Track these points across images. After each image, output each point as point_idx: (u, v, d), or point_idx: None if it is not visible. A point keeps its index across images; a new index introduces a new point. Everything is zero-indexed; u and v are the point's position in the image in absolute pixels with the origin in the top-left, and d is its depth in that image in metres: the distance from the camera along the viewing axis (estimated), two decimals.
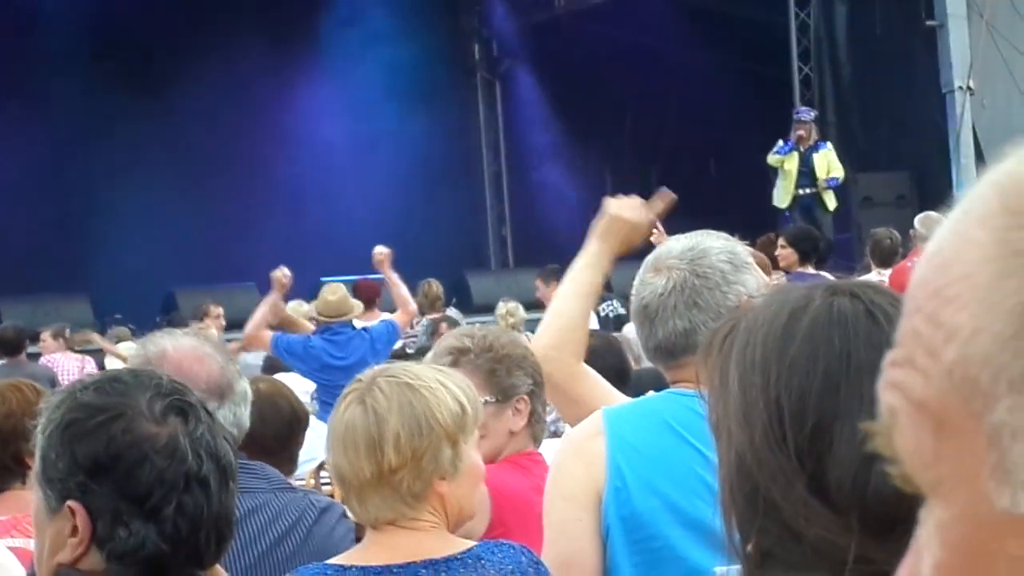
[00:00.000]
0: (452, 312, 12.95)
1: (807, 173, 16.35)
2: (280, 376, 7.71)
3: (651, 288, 2.69)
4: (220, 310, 12.47)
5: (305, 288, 12.38)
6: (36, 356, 12.14)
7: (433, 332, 11.46)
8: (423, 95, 19.50)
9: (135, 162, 17.88)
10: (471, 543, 2.68)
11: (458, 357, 3.32)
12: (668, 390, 2.72)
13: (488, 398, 3.28)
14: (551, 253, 14.77)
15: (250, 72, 18.49)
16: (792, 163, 16.41)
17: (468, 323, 13.72)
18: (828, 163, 16.26)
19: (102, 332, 13.96)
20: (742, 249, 2.77)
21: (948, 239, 0.71)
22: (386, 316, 11.96)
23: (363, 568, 2.59)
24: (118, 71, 17.74)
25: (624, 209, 3.31)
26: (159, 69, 18.14)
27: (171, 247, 17.15)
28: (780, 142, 16.30)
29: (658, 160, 18.79)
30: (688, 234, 2.76)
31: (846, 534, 1.34)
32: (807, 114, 16.67)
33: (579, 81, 19.39)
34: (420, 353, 8.10)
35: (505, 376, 3.33)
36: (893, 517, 1.26)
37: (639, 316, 2.72)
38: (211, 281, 13.54)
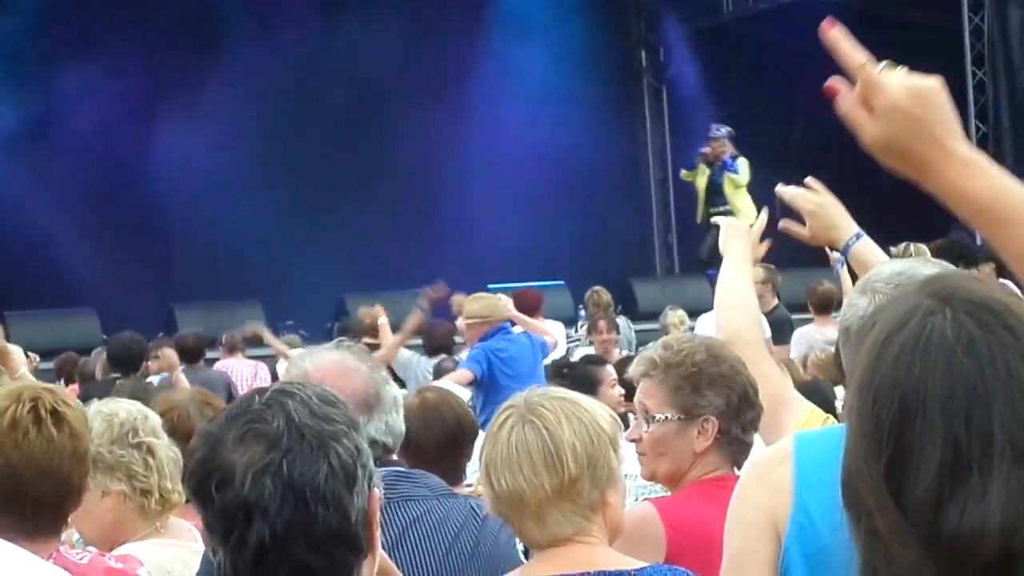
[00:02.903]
0: (621, 320, 12.91)
1: (717, 190, 16.16)
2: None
3: (854, 310, 2.62)
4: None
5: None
6: (212, 361, 12.38)
7: (591, 331, 11.49)
8: (589, 101, 19.49)
9: (306, 171, 18.16)
10: (643, 563, 2.69)
11: (647, 369, 3.31)
12: None
13: (668, 415, 3.26)
14: (717, 261, 14.68)
15: (417, 80, 18.67)
16: (702, 180, 16.31)
17: (636, 331, 13.70)
18: (735, 178, 16.08)
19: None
20: None
21: None
22: (553, 323, 12.00)
23: None
24: (291, 91, 18.09)
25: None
26: (323, 83, 18.41)
27: (342, 254, 17.37)
28: (695, 155, 16.43)
29: (826, 167, 18.54)
30: (904, 259, 2.73)
31: (927, 567, 1.34)
32: (718, 130, 16.52)
33: (746, 87, 19.23)
34: (590, 360, 8.09)
35: (690, 394, 3.26)
36: (966, 562, 1.25)
37: (843, 338, 2.67)
38: (381, 288, 13.69)
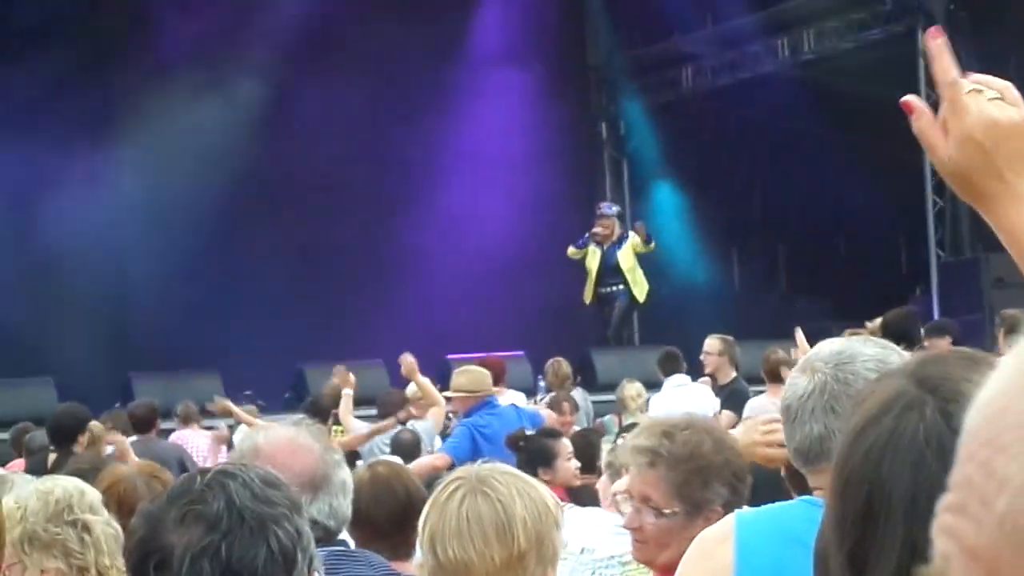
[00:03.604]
0: (577, 392, 12.89)
1: (611, 270, 16.20)
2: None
3: (794, 389, 2.64)
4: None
5: (431, 366, 12.43)
6: (168, 432, 12.29)
7: (554, 409, 11.42)
8: (551, 171, 19.60)
9: (263, 240, 18.15)
10: None
11: (652, 460, 3.18)
12: (804, 497, 2.67)
13: (676, 509, 3.16)
14: (677, 332, 14.70)
15: (377, 148, 18.73)
16: (594, 261, 16.41)
17: (594, 401, 13.69)
18: (630, 253, 16.13)
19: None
20: (898, 359, 2.59)
21: (1004, 389, 0.71)
22: (514, 393, 11.96)
23: None
24: (249, 157, 18.13)
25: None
26: (281, 151, 18.45)
27: (301, 324, 17.34)
28: (586, 235, 16.34)
29: (786, 239, 18.66)
30: (845, 338, 2.73)
31: None
32: (609, 209, 16.69)
33: (706, 160, 19.38)
34: (546, 433, 8.05)
35: (699, 488, 3.16)
36: None
37: (783, 416, 2.68)
38: (339, 357, 13.65)
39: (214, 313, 17.24)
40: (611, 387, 13.72)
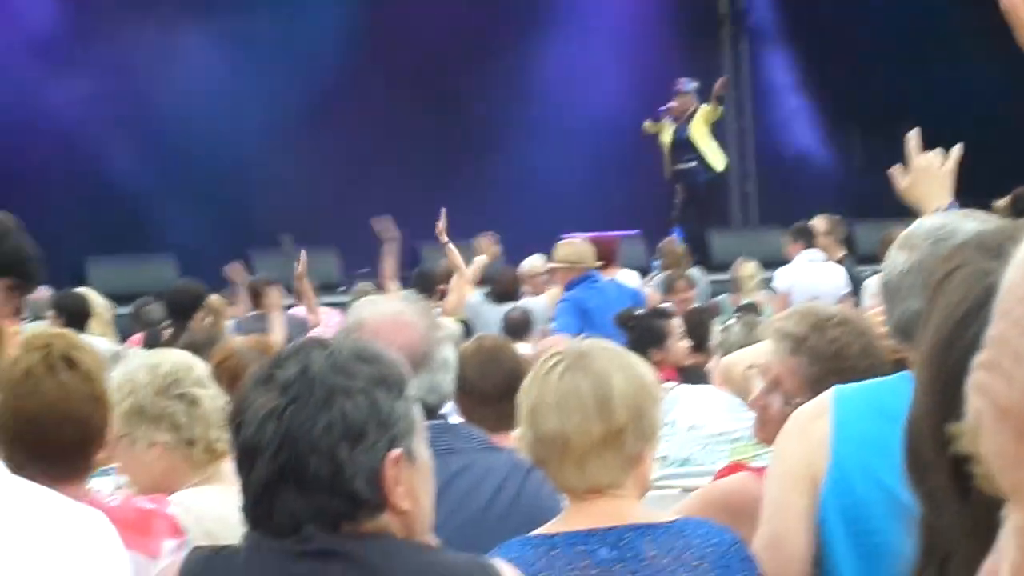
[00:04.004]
0: (693, 272, 12.83)
1: (683, 145, 15.83)
2: None
3: (893, 265, 2.60)
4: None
5: (547, 246, 12.42)
6: (289, 307, 12.43)
7: (668, 289, 11.37)
8: (667, 48, 19.35)
9: (375, 124, 18.20)
10: (674, 516, 2.70)
11: (795, 347, 3.11)
12: (902, 372, 2.64)
13: (806, 401, 3.01)
14: (796, 211, 14.54)
15: (485, 29, 18.61)
16: (667, 136, 15.99)
17: (710, 281, 13.62)
18: (700, 123, 15.80)
19: (348, 287, 14.33)
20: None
21: None
22: (627, 272, 11.94)
23: (569, 534, 2.62)
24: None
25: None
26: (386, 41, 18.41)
27: (417, 206, 17.40)
28: (661, 110, 16.07)
29: (906, 117, 18.33)
30: (946, 213, 2.68)
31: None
32: (686, 85, 16.15)
33: (830, 35, 19.00)
34: (657, 313, 8.03)
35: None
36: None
37: (882, 293, 2.64)
38: (453, 237, 13.68)
39: (331, 193, 17.38)
40: (726, 267, 13.66)
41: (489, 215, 16.20)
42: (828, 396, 2.57)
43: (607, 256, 11.45)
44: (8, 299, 3.87)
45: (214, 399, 3.43)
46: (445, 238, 11.12)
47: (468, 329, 9.56)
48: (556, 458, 2.66)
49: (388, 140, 18.15)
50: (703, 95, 16.51)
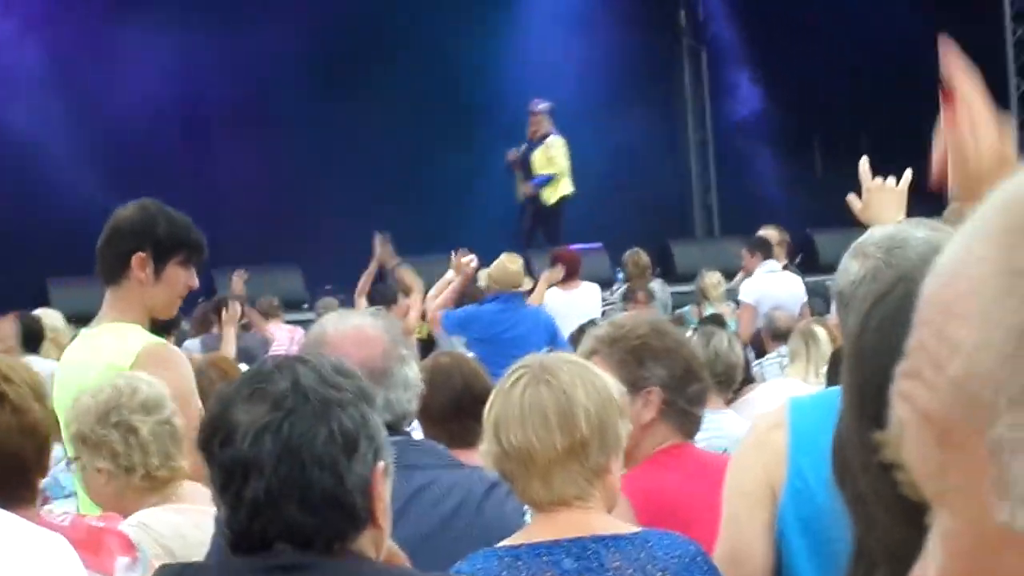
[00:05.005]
0: (656, 284, 12.86)
1: (527, 166, 15.79)
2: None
3: (845, 275, 2.62)
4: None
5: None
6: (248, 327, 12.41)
7: (628, 299, 11.42)
8: (627, 62, 19.42)
9: (347, 142, 18.18)
10: (638, 528, 2.72)
11: (596, 346, 3.35)
12: None
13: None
14: (757, 222, 14.59)
15: (446, 41, 18.63)
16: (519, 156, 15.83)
17: (673, 293, 13.65)
18: (546, 158, 15.59)
19: (311, 303, 14.33)
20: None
21: (956, 254, 0.72)
22: (589, 285, 11.96)
23: (534, 545, 2.63)
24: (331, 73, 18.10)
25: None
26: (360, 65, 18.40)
27: (380, 219, 17.38)
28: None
29: (870, 127, 18.41)
30: (898, 222, 2.71)
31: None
32: (536, 105, 15.99)
33: (787, 46, 19.09)
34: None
35: (635, 367, 3.29)
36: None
37: (836, 302, 2.67)
38: (416, 253, 13.67)
39: (293, 207, 17.35)
40: (689, 278, 13.69)
41: (454, 229, 16.21)
42: (783, 407, 2.58)
43: (570, 269, 11.49)
44: (182, 274, 4.05)
45: (162, 424, 3.44)
46: (394, 261, 11.20)
47: (429, 346, 9.69)
48: (521, 471, 2.68)
49: (348, 153, 18.13)
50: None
